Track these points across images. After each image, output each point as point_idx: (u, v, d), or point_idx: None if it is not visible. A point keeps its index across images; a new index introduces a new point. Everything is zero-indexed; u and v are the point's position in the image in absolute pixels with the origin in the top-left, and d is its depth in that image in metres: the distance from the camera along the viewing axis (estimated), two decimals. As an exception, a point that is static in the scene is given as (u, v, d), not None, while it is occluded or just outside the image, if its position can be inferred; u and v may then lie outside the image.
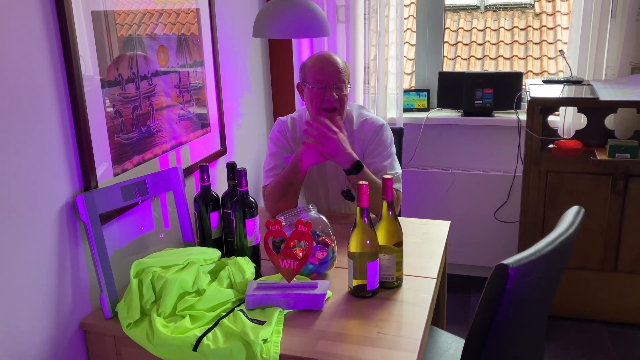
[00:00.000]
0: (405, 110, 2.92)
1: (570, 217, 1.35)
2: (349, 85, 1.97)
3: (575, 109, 2.56)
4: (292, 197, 1.94)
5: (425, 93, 2.99)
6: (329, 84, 1.91)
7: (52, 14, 1.31)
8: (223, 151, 2.12)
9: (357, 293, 1.49)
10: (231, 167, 1.65)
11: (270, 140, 2.09)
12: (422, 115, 2.91)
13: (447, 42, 5.01)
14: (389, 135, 2.05)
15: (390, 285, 1.52)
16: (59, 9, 1.31)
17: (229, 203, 1.65)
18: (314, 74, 1.93)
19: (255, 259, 1.60)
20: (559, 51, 3.22)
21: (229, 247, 1.69)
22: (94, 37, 1.43)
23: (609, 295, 2.55)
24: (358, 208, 1.43)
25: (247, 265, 1.53)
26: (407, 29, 4.57)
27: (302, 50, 2.72)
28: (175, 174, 1.69)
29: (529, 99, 2.43)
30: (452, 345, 1.73)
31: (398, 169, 2.02)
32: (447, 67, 4.90)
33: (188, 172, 1.87)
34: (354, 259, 1.46)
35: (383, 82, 2.75)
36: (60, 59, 1.34)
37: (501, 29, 5.04)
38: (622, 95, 2.26)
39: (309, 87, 1.94)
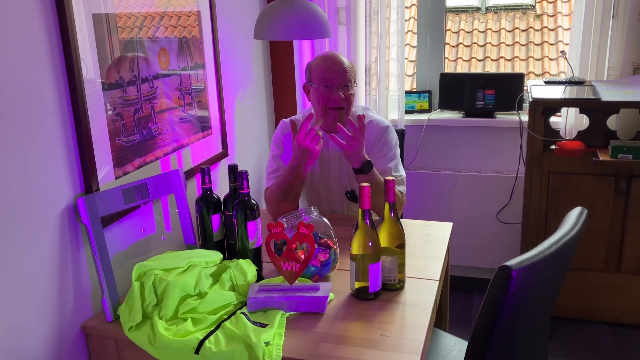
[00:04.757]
0: (407, 112, 2.92)
1: (573, 218, 1.35)
2: (355, 85, 1.97)
3: (577, 109, 2.55)
4: (292, 200, 1.94)
5: (427, 95, 2.99)
6: (335, 83, 1.90)
7: (53, 16, 1.31)
8: (224, 153, 2.12)
9: (360, 295, 1.48)
10: (232, 169, 1.64)
11: (273, 142, 2.09)
12: (424, 116, 2.91)
13: (448, 43, 5.00)
14: (394, 137, 2.04)
15: (392, 287, 1.51)
16: (60, 12, 1.31)
17: (230, 205, 1.65)
18: (320, 73, 1.92)
19: (257, 261, 1.60)
20: (561, 52, 3.21)
21: (231, 249, 1.69)
22: (95, 39, 1.43)
23: (612, 296, 2.54)
24: (360, 210, 1.42)
25: (249, 267, 1.53)
26: (408, 30, 4.56)
27: (303, 52, 2.72)
28: (176, 176, 1.69)
29: (530, 100, 2.42)
30: (455, 347, 1.73)
31: (402, 172, 2.02)
32: (449, 68, 4.89)
33: (189, 174, 1.87)
34: (356, 261, 1.45)
35: (384, 83, 2.74)
36: (61, 61, 1.34)
37: (502, 30, 5.03)
38: (624, 96, 2.26)
39: (315, 87, 1.93)
